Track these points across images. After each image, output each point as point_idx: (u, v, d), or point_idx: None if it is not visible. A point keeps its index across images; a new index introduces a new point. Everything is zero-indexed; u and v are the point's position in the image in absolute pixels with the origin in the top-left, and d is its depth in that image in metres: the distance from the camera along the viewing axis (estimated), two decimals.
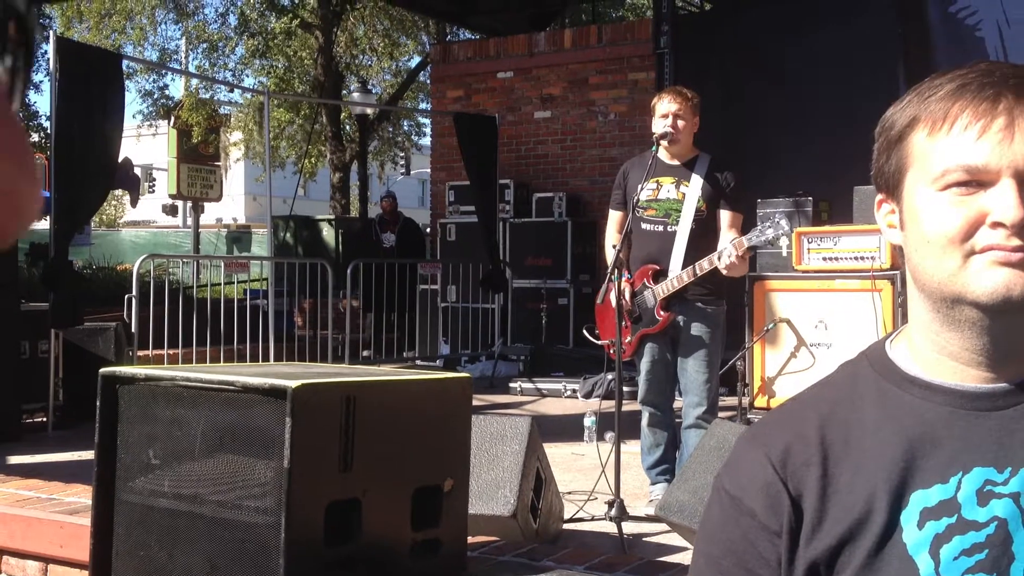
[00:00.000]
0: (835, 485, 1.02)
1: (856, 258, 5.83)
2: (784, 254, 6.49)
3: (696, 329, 4.47)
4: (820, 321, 5.82)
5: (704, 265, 4.31)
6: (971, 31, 7.93)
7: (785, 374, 5.89)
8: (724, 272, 4.28)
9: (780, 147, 8.86)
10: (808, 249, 6.00)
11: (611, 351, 4.68)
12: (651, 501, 3.98)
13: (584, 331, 4.99)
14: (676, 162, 4.54)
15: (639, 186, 4.49)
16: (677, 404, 4.70)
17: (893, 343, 1.10)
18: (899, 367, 1.06)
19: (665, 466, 4.58)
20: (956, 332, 1.02)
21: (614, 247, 4.39)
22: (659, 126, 4.48)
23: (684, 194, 4.48)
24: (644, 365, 4.50)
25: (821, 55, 8.88)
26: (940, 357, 1.03)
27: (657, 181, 4.49)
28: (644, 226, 4.50)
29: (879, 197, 1.10)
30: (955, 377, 1.03)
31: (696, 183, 4.48)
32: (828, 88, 8.81)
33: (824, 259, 5.96)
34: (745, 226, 4.63)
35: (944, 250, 0.99)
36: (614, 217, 4.71)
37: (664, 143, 4.46)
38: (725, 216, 4.47)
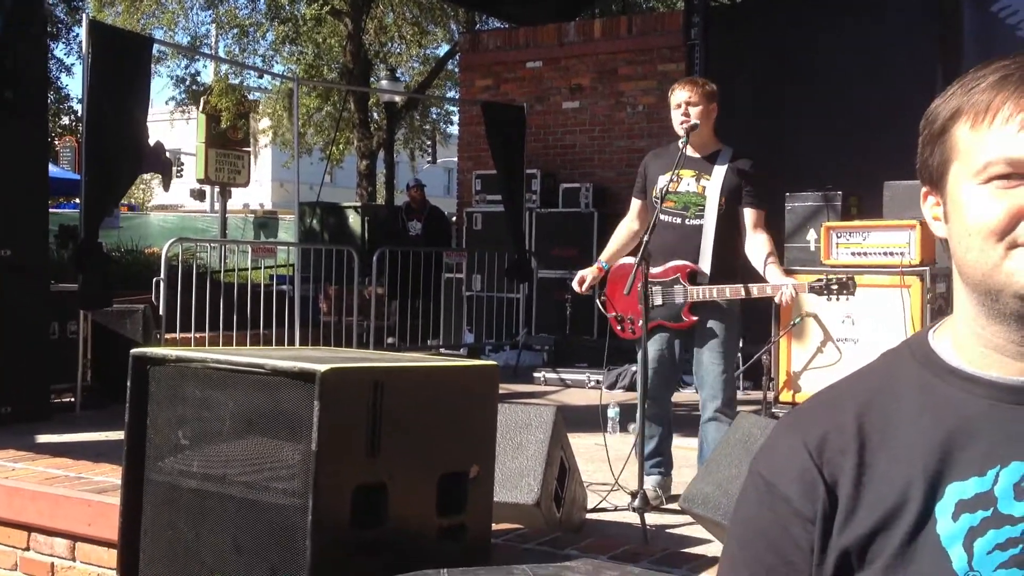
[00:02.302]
0: (870, 474, 1.02)
1: (885, 253, 5.79)
2: (812, 248, 6.45)
3: (712, 322, 4.45)
4: (847, 316, 5.79)
5: (754, 291, 4.29)
6: (1012, 31, 7.84)
7: (811, 369, 5.86)
8: (781, 304, 4.34)
9: (810, 141, 8.80)
10: (837, 244, 5.96)
11: (617, 327, 4.68)
12: (642, 493, 3.96)
13: (597, 301, 4.97)
14: (697, 155, 4.50)
15: (660, 177, 4.48)
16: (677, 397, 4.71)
17: (936, 334, 1.09)
18: (941, 358, 1.06)
19: (659, 458, 4.56)
20: (1000, 324, 1.01)
21: (644, 241, 4.34)
22: (675, 117, 4.47)
23: (704, 188, 4.45)
24: (653, 353, 4.43)
25: (854, 50, 8.81)
26: (984, 350, 1.03)
27: (678, 173, 4.47)
28: (663, 217, 4.46)
29: (924, 190, 1.10)
30: (998, 370, 1.02)
31: (717, 178, 4.44)
32: (860, 83, 8.73)
33: (853, 254, 5.92)
34: (772, 219, 4.61)
35: (986, 243, 0.99)
36: (635, 205, 4.75)
37: (684, 134, 4.45)
38: (749, 213, 4.43)
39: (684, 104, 4.40)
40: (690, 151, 4.48)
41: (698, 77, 4.69)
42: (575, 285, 4.64)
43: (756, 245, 4.39)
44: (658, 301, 4.40)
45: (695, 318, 4.42)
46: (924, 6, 8.32)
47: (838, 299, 4.42)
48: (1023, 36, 7.73)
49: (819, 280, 4.32)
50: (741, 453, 3.52)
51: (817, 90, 8.93)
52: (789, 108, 9.07)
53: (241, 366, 2.55)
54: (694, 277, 4.43)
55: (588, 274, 4.63)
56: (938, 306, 5.54)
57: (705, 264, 4.41)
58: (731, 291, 4.33)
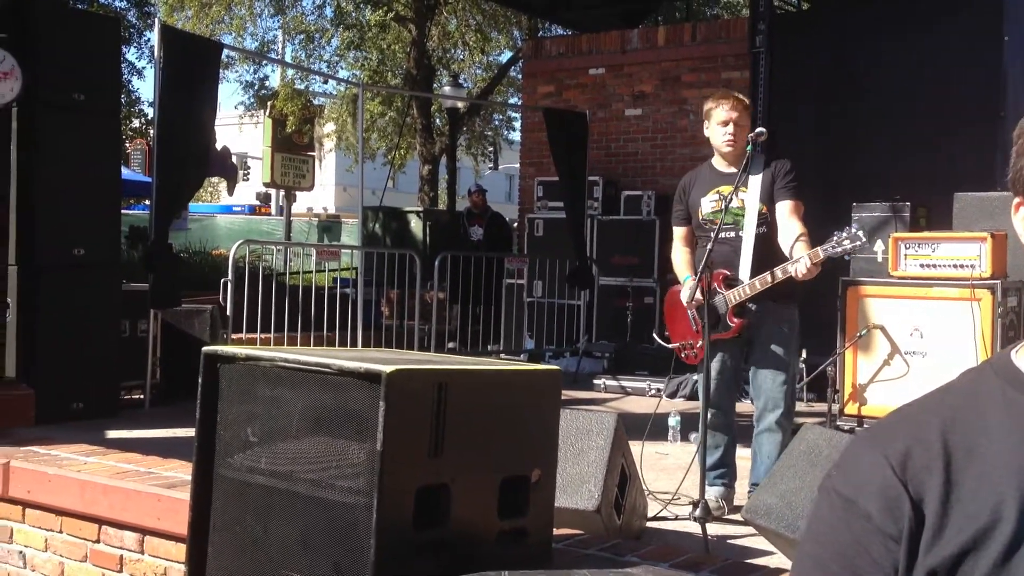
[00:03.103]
0: (958, 492, 0.99)
1: (955, 266, 5.68)
2: (879, 259, 6.36)
3: (769, 332, 4.42)
4: (915, 329, 5.69)
5: (778, 274, 4.23)
6: None
7: (878, 381, 5.77)
8: (800, 279, 4.20)
9: (877, 150, 8.67)
10: (905, 255, 5.86)
11: (682, 355, 4.66)
12: (703, 503, 3.92)
13: (655, 336, 4.96)
14: (732, 169, 4.48)
15: (703, 200, 4.47)
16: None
17: (1019, 352, 1.07)
18: None
19: (723, 469, 4.53)
20: None
21: (705, 262, 4.33)
22: (718, 133, 4.46)
23: (744, 200, 4.43)
24: (715, 366, 4.42)
25: (920, 57, 8.67)
26: None
27: (718, 191, 4.46)
28: (721, 235, 4.45)
29: (1016, 200, 1.08)
30: None
31: (753, 185, 4.43)
32: (927, 91, 8.59)
33: (921, 266, 5.82)
34: (832, 227, 4.54)
35: None
36: (679, 233, 4.71)
37: (726, 149, 4.44)
38: (783, 207, 4.40)
39: (732, 123, 4.40)
40: (724, 167, 4.49)
41: (732, 91, 4.65)
42: (690, 304, 4.48)
43: (786, 232, 4.34)
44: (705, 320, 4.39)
45: (739, 321, 4.39)
46: (989, 12, 8.15)
47: (851, 256, 4.32)
48: None
49: (828, 242, 4.22)
50: (805, 465, 3.49)
51: (883, 98, 8.81)
52: (855, 116, 8.95)
53: (309, 366, 2.59)
54: (730, 283, 4.41)
55: (688, 290, 4.48)
56: (1009, 320, 5.42)
57: (745, 273, 4.37)
58: (760, 282, 4.29)
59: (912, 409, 1.08)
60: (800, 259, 4.14)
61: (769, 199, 4.42)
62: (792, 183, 4.44)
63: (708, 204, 4.48)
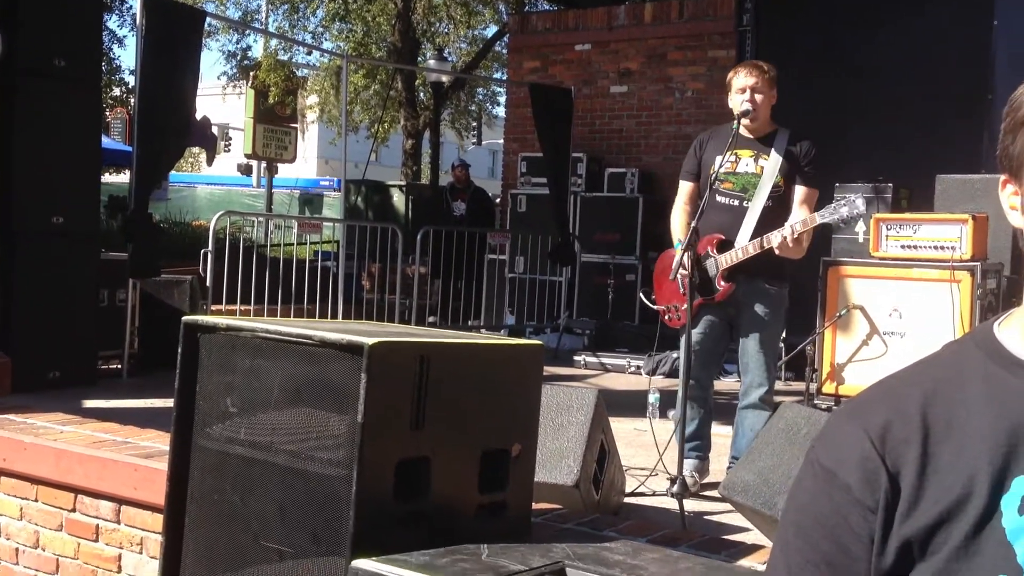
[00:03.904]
0: (935, 464, 1.00)
1: (936, 247, 5.71)
2: (861, 240, 6.39)
3: (759, 309, 4.41)
4: (895, 310, 5.72)
5: (774, 239, 4.19)
6: None
7: (856, 361, 5.80)
8: (791, 245, 4.19)
9: (860, 132, 8.69)
10: (886, 236, 5.89)
11: (665, 317, 4.65)
12: (681, 479, 3.94)
13: (641, 295, 4.95)
14: (754, 136, 4.46)
15: (717, 157, 4.42)
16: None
17: (1002, 326, 1.07)
18: (1008, 350, 1.04)
19: (697, 442, 4.53)
20: None
21: (689, 223, 4.32)
22: (737, 101, 4.40)
23: (762, 168, 4.41)
24: (695, 335, 4.40)
25: (905, 40, 8.68)
26: None
27: (736, 153, 4.42)
28: (719, 199, 4.41)
29: (1003, 178, 1.07)
30: None
31: (775, 158, 4.40)
32: (912, 73, 8.61)
33: (902, 247, 5.84)
34: (820, 205, 4.56)
35: None
36: (685, 188, 4.62)
37: (745, 120, 4.39)
38: (800, 192, 4.39)
39: (750, 89, 4.36)
40: (746, 133, 4.44)
41: (761, 62, 4.61)
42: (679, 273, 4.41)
43: (796, 215, 4.34)
44: (695, 280, 4.34)
45: (727, 285, 4.38)
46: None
47: (850, 221, 4.34)
48: None
49: (827, 208, 4.25)
50: (783, 442, 3.51)
51: (868, 80, 8.82)
52: (839, 97, 8.96)
53: (290, 336, 2.57)
54: (723, 246, 4.40)
55: (676, 260, 4.37)
56: (988, 302, 5.46)
57: (744, 238, 4.35)
58: (752, 247, 4.28)
59: (894, 382, 1.09)
60: (794, 221, 4.15)
61: (789, 176, 4.39)
62: (814, 170, 4.43)
63: (723, 165, 4.39)
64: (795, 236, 4.14)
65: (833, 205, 4.24)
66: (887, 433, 1.03)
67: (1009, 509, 0.97)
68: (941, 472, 1.00)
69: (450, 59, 19.20)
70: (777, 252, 4.20)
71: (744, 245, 4.32)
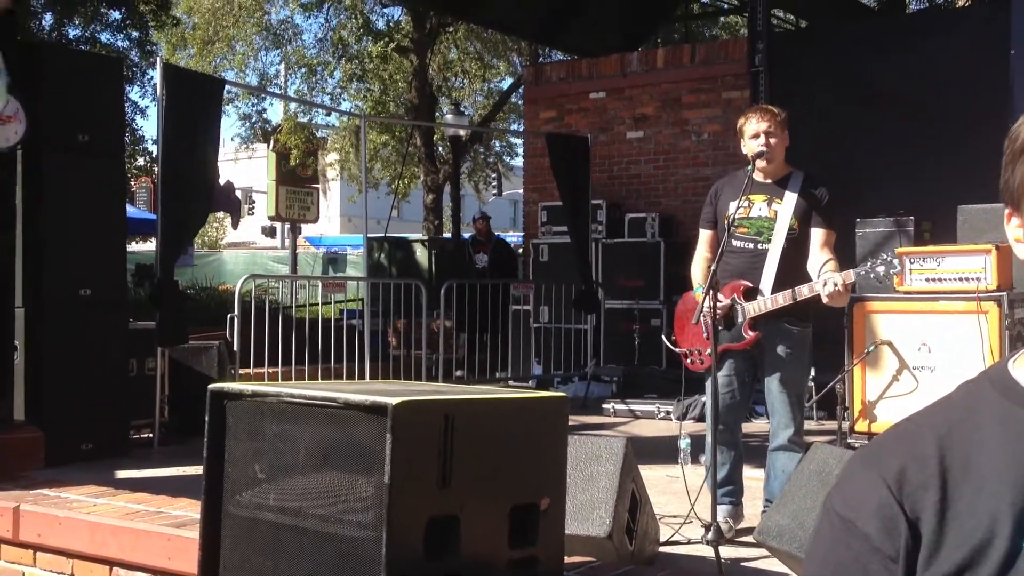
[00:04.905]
0: (954, 509, 0.98)
1: (960, 279, 5.67)
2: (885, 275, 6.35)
3: (782, 350, 4.40)
4: (923, 344, 5.67)
5: (804, 291, 4.23)
6: None
7: (887, 398, 5.74)
8: (825, 301, 4.20)
9: (878, 166, 8.68)
10: (911, 270, 5.86)
11: (687, 361, 4.64)
12: (715, 526, 3.90)
13: (663, 337, 4.95)
14: (769, 180, 4.49)
15: (731, 203, 4.45)
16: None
17: (1016, 363, 1.06)
18: (1023, 387, 1.03)
19: (730, 487, 4.50)
20: None
21: (709, 267, 4.34)
22: (751, 146, 4.43)
23: (776, 212, 4.42)
24: (722, 379, 4.40)
25: (920, 72, 8.69)
26: None
27: (749, 199, 4.44)
28: (735, 243, 4.44)
29: (1007, 211, 1.07)
30: None
31: (789, 201, 4.42)
32: (928, 106, 8.61)
33: (927, 280, 5.81)
34: (841, 246, 4.56)
35: None
36: (704, 236, 4.68)
37: (760, 162, 4.41)
38: (818, 234, 4.40)
39: (763, 134, 4.39)
40: (761, 177, 4.46)
41: (770, 105, 4.65)
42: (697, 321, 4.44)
43: (817, 260, 4.35)
44: (720, 326, 4.35)
45: (754, 334, 4.38)
46: (991, 25, 8.18)
47: (885, 280, 4.35)
48: None
49: (863, 265, 4.26)
50: (816, 484, 3.47)
51: (885, 114, 8.83)
52: (857, 133, 8.96)
53: (315, 400, 2.59)
54: (750, 294, 4.40)
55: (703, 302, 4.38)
56: (1017, 332, 5.41)
57: (767, 286, 4.37)
58: (783, 298, 4.29)
59: (908, 425, 1.08)
60: (830, 279, 4.14)
61: (804, 218, 4.40)
62: (831, 213, 4.44)
63: (737, 211, 4.41)
64: (844, 286, 4.15)
65: (869, 263, 4.27)
66: (904, 479, 1.01)
67: None
68: (961, 516, 0.98)
69: (467, 112, 19.39)
70: (827, 302, 4.20)
71: (773, 296, 4.33)
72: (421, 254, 15.62)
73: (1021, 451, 0.99)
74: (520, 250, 12.95)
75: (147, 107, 20.98)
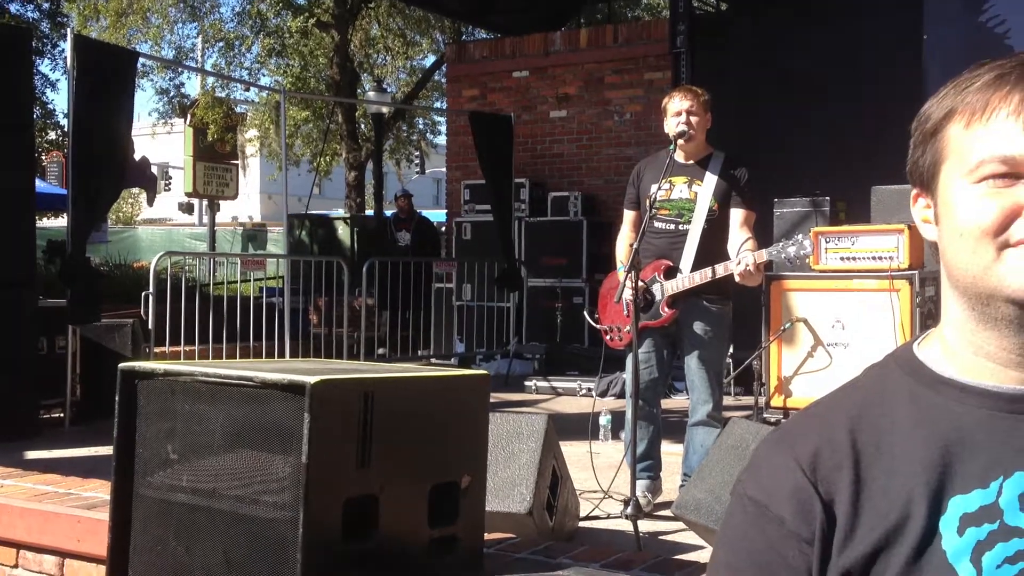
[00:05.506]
0: (868, 490, 0.98)
1: (874, 258, 5.80)
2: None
3: (700, 327, 4.47)
4: (837, 321, 5.79)
5: (719, 270, 4.31)
6: (1000, 39, 7.88)
7: (802, 374, 5.86)
8: (738, 280, 4.27)
9: (796, 147, 8.82)
10: (826, 249, 5.97)
11: (607, 338, 4.70)
12: (634, 500, 3.94)
13: (585, 314, 4.99)
14: (690, 161, 4.53)
15: (652, 186, 4.50)
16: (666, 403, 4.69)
17: (922, 345, 1.07)
18: (931, 368, 1.03)
19: (649, 462, 4.55)
20: (992, 330, 0.99)
21: (631, 245, 4.39)
22: (672, 124, 4.47)
23: (696, 193, 4.48)
24: (641, 356, 4.42)
25: (838, 55, 8.84)
26: (976, 358, 1.00)
27: (670, 181, 4.50)
28: (657, 224, 4.51)
29: (914, 192, 1.07)
30: (992, 378, 0.99)
31: (709, 182, 4.47)
32: (845, 88, 8.77)
33: (842, 259, 5.93)
34: (760, 226, 4.63)
35: (978, 243, 0.96)
36: (628, 216, 4.73)
37: (681, 141, 4.45)
38: (737, 214, 4.46)
39: (685, 112, 4.43)
40: (682, 158, 4.51)
41: (694, 86, 4.70)
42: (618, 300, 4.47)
43: (736, 239, 4.41)
44: (640, 304, 4.39)
45: (671, 311, 4.44)
46: (906, 10, 8.35)
47: (796, 260, 4.44)
48: (1010, 45, 7.76)
49: (776, 246, 4.33)
50: (733, 459, 3.52)
51: (802, 96, 8.96)
52: (775, 114, 9.09)
53: (230, 379, 2.54)
54: (670, 273, 4.46)
55: (620, 285, 4.44)
56: (927, 310, 5.55)
57: (687, 265, 4.43)
58: (700, 276, 4.37)
59: (819, 408, 1.07)
60: (743, 258, 4.20)
61: (724, 199, 4.46)
62: (751, 193, 4.50)
63: (658, 192, 4.46)
64: (756, 265, 4.20)
65: (781, 243, 4.33)
66: (818, 461, 1.00)
67: (948, 531, 0.95)
68: (875, 498, 0.98)
69: (389, 90, 19.20)
70: (739, 280, 4.26)
71: (691, 274, 4.39)
72: (343, 232, 15.46)
73: (932, 432, 0.99)
74: (443, 228, 12.89)
75: (58, 80, 20.40)
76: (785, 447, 1.03)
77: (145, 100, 35.69)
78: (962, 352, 1.02)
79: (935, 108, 1.03)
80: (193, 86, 20.07)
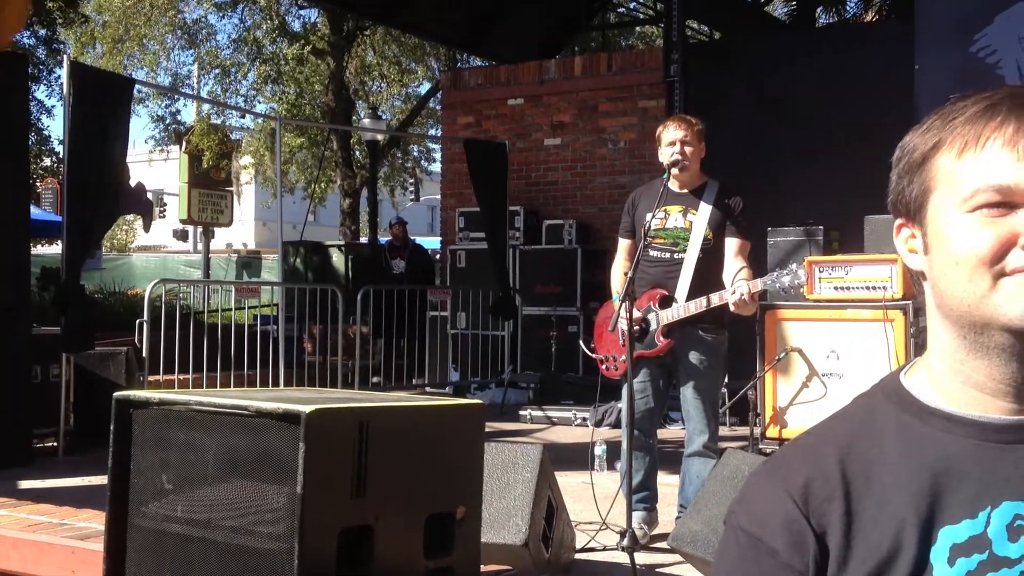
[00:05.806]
0: (859, 522, 0.98)
1: (868, 287, 5.81)
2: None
3: (696, 357, 4.46)
4: (832, 351, 5.80)
5: (714, 299, 4.31)
6: (991, 69, 7.95)
7: (797, 404, 5.86)
8: (732, 309, 4.28)
9: (790, 176, 8.86)
10: (819, 278, 5.99)
11: (603, 367, 4.69)
12: (630, 532, 3.93)
13: (580, 343, 4.99)
14: (684, 190, 4.55)
15: (648, 215, 4.50)
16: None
17: (908, 375, 1.07)
18: (917, 399, 1.03)
19: (645, 493, 4.54)
20: (983, 360, 0.99)
21: (625, 274, 4.38)
22: (667, 154, 4.49)
23: (691, 223, 4.49)
24: (636, 386, 4.41)
25: (832, 85, 8.91)
26: (964, 387, 1.01)
27: (665, 210, 4.50)
28: (652, 253, 4.51)
29: (898, 222, 1.07)
30: (978, 408, 1.00)
31: (704, 212, 4.48)
32: (839, 118, 8.82)
33: (836, 288, 5.94)
34: (753, 255, 4.64)
35: (974, 272, 0.96)
36: (623, 245, 4.73)
37: (674, 171, 4.47)
38: (732, 244, 4.47)
39: (679, 142, 4.44)
40: (676, 187, 4.52)
41: (688, 116, 4.72)
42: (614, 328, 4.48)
43: (731, 269, 4.42)
44: (636, 333, 4.38)
45: (666, 341, 4.44)
46: (901, 41, 8.42)
47: (790, 290, 4.44)
48: (1001, 75, 7.82)
49: (770, 275, 4.34)
50: (729, 490, 3.51)
51: (796, 126, 9.01)
52: (769, 144, 9.14)
53: (225, 408, 2.53)
54: (666, 302, 4.46)
55: (615, 314, 4.44)
56: (922, 339, 5.56)
57: (682, 294, 4.43)
58: (695, 305, 4.37)
59: (809, 439, 1.07)
60: (738, 288, 4.21)
61: (718, 228, 4.47)
62: (745, 223, 4.51)
63: (653, 221, 4.47)
64: (750, 295, 4.21)
65: (775, 273, 4.33)
66: (809, 492, 1.00)
67: (939, 562, 0.96)
68: (866, 529, 0.98)
69: (384, 117, 19.27)
70: (733, 310, 4.27)
71: (686, 304, 4.39)
72: (337, 259, 15.45)
73: (920, 462, 0.99)
74: (437, 256, 12.89)
75: (54, 106, 20.36)
76: (777, 479, 1.04)
77: (141, 127, 35.66)
78: (949, 381, 1.02)
79: (919, 140, 1.03)
80: (189, 113, 20.08)
